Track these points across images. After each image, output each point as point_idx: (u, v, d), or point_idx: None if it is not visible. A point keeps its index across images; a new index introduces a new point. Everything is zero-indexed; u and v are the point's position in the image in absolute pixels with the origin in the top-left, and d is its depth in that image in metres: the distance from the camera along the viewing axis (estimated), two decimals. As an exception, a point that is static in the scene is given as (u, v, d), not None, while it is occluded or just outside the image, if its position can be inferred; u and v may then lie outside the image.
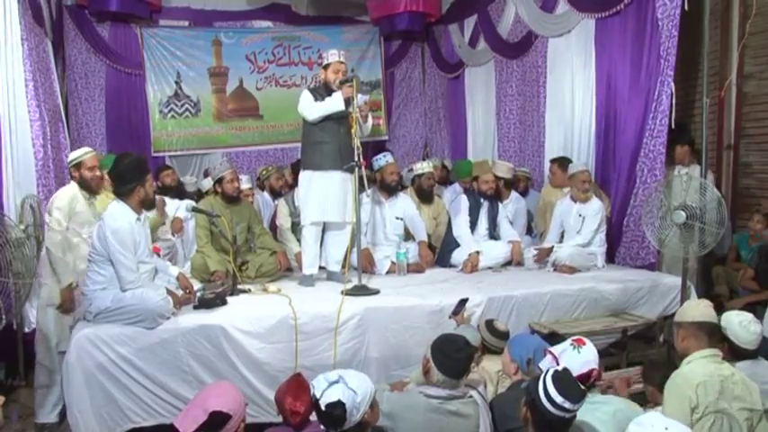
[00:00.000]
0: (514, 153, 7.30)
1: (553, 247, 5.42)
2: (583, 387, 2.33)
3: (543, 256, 5.40)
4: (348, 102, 4.54)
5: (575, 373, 2.52)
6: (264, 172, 7.24)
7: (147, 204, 4.09)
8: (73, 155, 4.41)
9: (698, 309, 3.02)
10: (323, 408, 2.31)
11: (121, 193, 3.87)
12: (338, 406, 2.29)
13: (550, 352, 2.74)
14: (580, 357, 2.65)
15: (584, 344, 2.72)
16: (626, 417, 2.50)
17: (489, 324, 3.84)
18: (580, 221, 5.38)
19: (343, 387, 2.33)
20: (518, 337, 3.51)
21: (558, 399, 2.21)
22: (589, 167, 5.79)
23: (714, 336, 2.97)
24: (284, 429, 2.88)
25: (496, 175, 6.04)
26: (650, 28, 5.18)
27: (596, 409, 2.56)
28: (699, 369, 2.76)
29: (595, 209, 5.35)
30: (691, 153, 5.53)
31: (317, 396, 2.33)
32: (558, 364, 2.61)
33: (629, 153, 5.47)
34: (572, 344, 2.72)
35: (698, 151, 5.12)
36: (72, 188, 4.34)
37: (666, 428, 2.09)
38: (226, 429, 2.38)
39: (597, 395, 2.69)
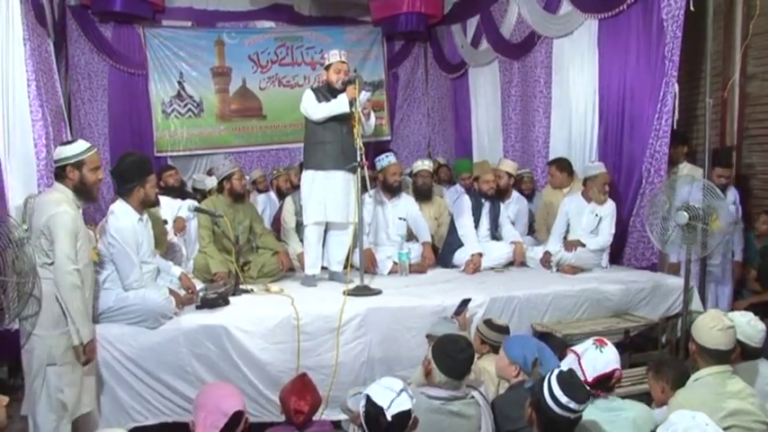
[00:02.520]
0: (518, 153, 7.28)
1: (579, 241, 5.37)
2: (588, 389, 2.32)
3: (548, 259, 5.39)
4: (351, 102, 4.54)
5: (597, 373, 2.60)
6: (275, 172, 7.26)
7: (149, 205, 4.07)
8: (70, 150, 3.43)
9: (710, 333, 2.84)
10: (389, 418, 2.21)
11: (122, 192, 3.89)
12: (407, 415, 2.25)
13: (573, 351, 2.74)
14: (603, 357, 2.65)
15: (605, 344, 2.71)
16: (646, 423, 2.49)
17: (488, 322, 3.84)
18: (596, 221, 5.35)
19: (407, 395, 2.29)
20: (513, 338, 3.51)
21: (564, 399, 2.22)
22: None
23: (724, 358, 2.85)
24: (286, 429, 2.89)
25: (506, 171, 6.04)
26: (654, 28, 5.17)
27: (617, 416, 2.56)
28: (701, 393, 2.72)
29: (612, 209, 5.34)
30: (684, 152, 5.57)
31: (384, 406, 2.22)
32: (580, 363, 2.63)
33: (635, 154, 5.45)
34: (594, 343, 2.71)
35: (701, 152, 5.12)
36: (64, 194, 3.41)
37: (707, 425, 2.10)
38: (240, 428, 2.39)
39: (617, 400, 2.67)
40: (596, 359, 2.64)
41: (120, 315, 3.77)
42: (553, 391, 2.25)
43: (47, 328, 3.30)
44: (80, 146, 3.45)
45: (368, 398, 2.27)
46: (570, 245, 5.32)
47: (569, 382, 2.27)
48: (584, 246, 5.30)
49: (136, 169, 3.89)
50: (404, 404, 2.25)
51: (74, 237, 3.30)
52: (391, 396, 2.25)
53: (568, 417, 2.23)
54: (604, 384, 2.65)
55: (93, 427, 3.70)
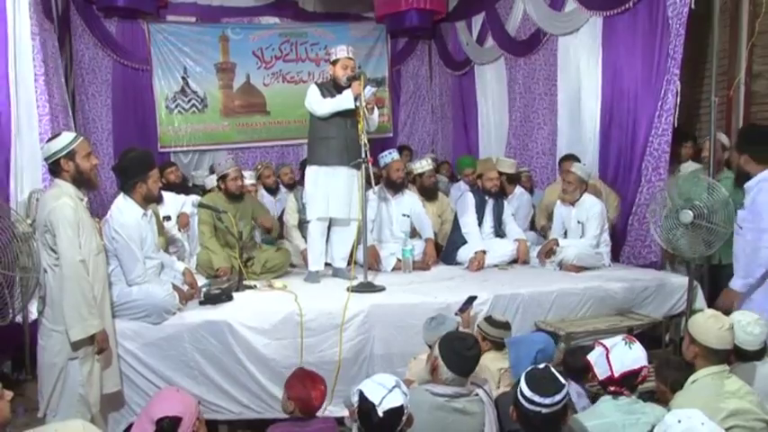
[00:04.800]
0: (523, 151, 7.29)
1: (557, 240, 5.36)
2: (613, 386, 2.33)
3: (544, 251, 5.38)
4: (356, 98, 4.53)
5: (624, 369, 2.58)
6: (256, 171, 7.27)
7: (152, 200, 4.06)
8: (59, 142, 3.36)
9: (718, 333, 2.80)
10: (380, 414, 2.22)
11: (125, 188, 3.89)
12: (399, 411, 2.24)
13: (601, 344, 2.72)
14: (631, 354, 2.62)
15: (634, 341, 2.69)
16: None
17: (488, 319, 3.84)
18: (580, 228, 5.32)
19: (400, 391, 2.28)
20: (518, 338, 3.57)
21: (528, 393, 2.27)
22: (595, 166, 5.78)
23: (726, 357, 2.85)
24: (290, 425, 2.89)
25: (500, 171, 6.03)
26: (658, 26, 5.17)
27: (636, 420, 2.54)
28: (700, 396, 2.69)
29: (595, 212, 5.24)
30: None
31: (376, 402, 2.23)
32: (608, 357, 2.62)
33: (636, 152, 5.47)
34: (624, 339, 2.69)
35: (704, 150, 5.12)
36: (64, 188, 3.37)
37: (703, 424, 2.09)
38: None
39: (638, 402, 2.64)
40: (624, 355, 2.62)
41: (124, 310, 3.77)
42: (521, 386, 2.30)
43: (64, 322, 3.29)
44: (68, 137, 3.42)
45: (360, 393, 2.29)
46: (543, 251, 5.37)
47: (535, 376, 2.32)
48: (558, 245, 5.31)
49: (138, 164, 3.89)
50: (396, 400, 2.25)
51: (75, 227, 3.27)
52: (383, 392, 2.25)
53: (539, 411, 2.25)
54: (630, 382, 2.62)
55: (119, 407, 3.78)
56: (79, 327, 3.25)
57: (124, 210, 3.82)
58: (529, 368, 2.39)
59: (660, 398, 3.09)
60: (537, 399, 2.24)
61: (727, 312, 3.18)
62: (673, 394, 2.88)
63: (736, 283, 3.89)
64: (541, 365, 2.41)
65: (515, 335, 3.84)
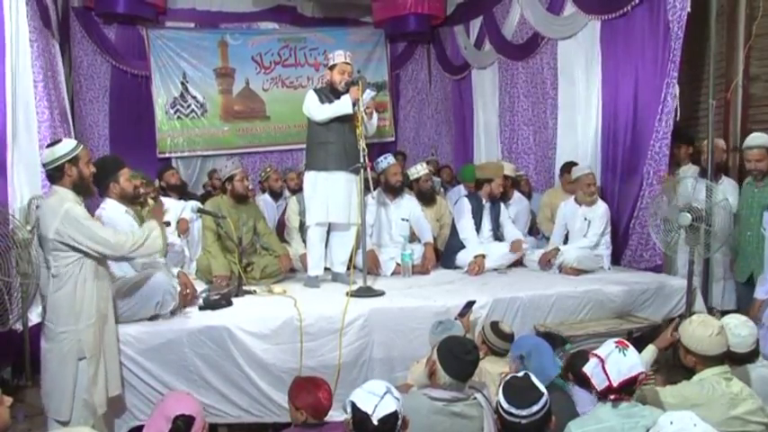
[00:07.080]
0: (521, 155, 7.28)
1: (557, 248, 5.39)
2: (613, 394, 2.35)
3: (546, 259, 5.39)
4: (354, 103, 4.54)
5: (622, 378, 2.53)
6: (263, 173, 7.28)
7: (129, 197, 4.09)
8: (63, 148, 3.36)
9: (711, 340, 2.80)
10: (375, 422, 2.20)
11: (102, 192, 3.98)
12: (394, 417, 2.23)
13: (596, 354, 2.66)
14: (627, 360, 2.55)
15: (627, 346, 2.63)
16: None
17: (494, 326, 3.83)
18: (586, 225, 5.35)
19: (392, 397, 2.27)
20: (519, 338, 3.54)
21: (505, 405, 2.29)
22: (596, 169, 5.77)
23: (723, 357, 2.86)
24: (301, 430, 2.89)
25: (506, 174, 6.03)
26: (658, 30, 5.17)
27: (636, 423, 2.51)
28: (705, 391, 2.71)
29: (601, 212, 5.33)
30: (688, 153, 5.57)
31: (369, 412, 2.21)
32: (604, 367, 2.57)
33: (636, 155, 5.46)
34: (616, 346, 2.61)
35: (702, 152, 5.12)
36: (64, 194, 3.35)
37: (695, 425, 2.09)
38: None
39: (637, 405, 2.60)
40: (620, 363, 2.55)
41: (125, 294, 3.74)
42: (498, 397, 2.32)
43: (71, 323, 3.28)
44: (71, 143, 3.43)
45: (353, 404, 2.28)
46: (544, 259, 5.37)
47: (513, 387, 2.33)
48: (559, 250, 5.34)
49: (107, 166, 3.99)
50: (389, 407, 2.23)
51: (96, 219, 3.35)
52: (375, 401, 2.24)
53: (519, 422, 2.27)
54: (629, 388, 2.57)
55: (120, 412, 3.76)
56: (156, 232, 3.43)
57: (107, 207, 3.92)
58: (507, 378, 2.41)
59: (650, 401, 3.07)
60: (514, 411, 2.26)
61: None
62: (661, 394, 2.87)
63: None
64: (520, 374, 2.42)
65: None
